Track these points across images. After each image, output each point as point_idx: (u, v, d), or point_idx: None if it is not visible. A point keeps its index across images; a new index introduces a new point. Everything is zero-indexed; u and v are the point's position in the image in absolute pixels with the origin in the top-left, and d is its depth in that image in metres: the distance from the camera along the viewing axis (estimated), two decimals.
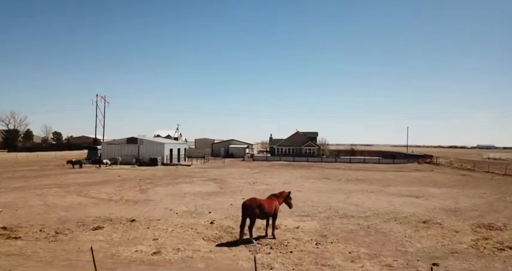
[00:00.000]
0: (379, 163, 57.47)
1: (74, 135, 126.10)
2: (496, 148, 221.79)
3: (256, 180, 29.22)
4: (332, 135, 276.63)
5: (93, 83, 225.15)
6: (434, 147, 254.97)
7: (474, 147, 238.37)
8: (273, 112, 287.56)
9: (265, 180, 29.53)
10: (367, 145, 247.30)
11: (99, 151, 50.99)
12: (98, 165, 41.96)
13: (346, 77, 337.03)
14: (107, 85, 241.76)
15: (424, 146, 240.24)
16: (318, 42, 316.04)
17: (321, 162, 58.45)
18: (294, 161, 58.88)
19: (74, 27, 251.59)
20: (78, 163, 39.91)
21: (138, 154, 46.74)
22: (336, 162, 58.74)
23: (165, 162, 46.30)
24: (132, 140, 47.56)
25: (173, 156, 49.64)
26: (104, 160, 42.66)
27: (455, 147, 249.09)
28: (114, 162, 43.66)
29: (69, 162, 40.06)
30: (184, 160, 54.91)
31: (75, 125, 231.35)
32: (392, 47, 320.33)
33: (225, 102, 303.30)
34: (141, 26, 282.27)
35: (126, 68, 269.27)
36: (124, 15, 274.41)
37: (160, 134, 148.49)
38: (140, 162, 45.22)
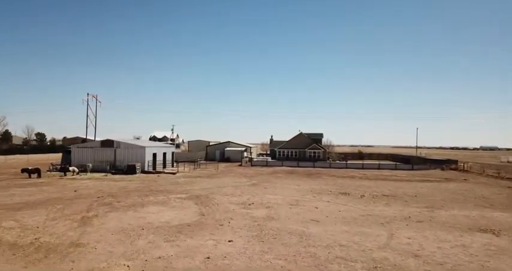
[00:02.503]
0: (395, 169, 50.19)
1: (68, 136, 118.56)
2: (499, 149, 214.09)
3: (253, 199, 21.91)
4: (332, 136, 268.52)
5: (92, 83, 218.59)
6: (437, 148, 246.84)
7: (477, 149, 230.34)
8: (273, 112, 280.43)
9: (265, 198, 22.28)
10: (368, 146, 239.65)
11: None
12: (63, 174, 34.66)
13: (345, 77, 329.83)
14: (106, 86, 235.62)
15: (425, 147, 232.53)
16: (318, 42, 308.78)
17: (330, 167, 51.04)
18: (298, 166, 51.57)
19: (73, 27, 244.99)
20: (36, 172, 32.44)
21: (115, 159, 39.47)
22: (346, 167, 51.37)
23: (146, 169, 38.98)
24: (107, 143, 40.18)
25: (157, 161, 42.41)
26: (71, 168, 35.28)
27: (457, 148, 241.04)
28: (84, 169, 36.40)
29: (24, 170, 32.37)
30: (172, 166, 47.63)
31: (72, 125, 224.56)
32: (393, 47, 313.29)
33: (224, 102, 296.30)
34: (140, 27, 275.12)
35: (125, 68, 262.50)
36: (123, 16, 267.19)
37: (156, 135, 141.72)
38: (116, 170, 37.92)
